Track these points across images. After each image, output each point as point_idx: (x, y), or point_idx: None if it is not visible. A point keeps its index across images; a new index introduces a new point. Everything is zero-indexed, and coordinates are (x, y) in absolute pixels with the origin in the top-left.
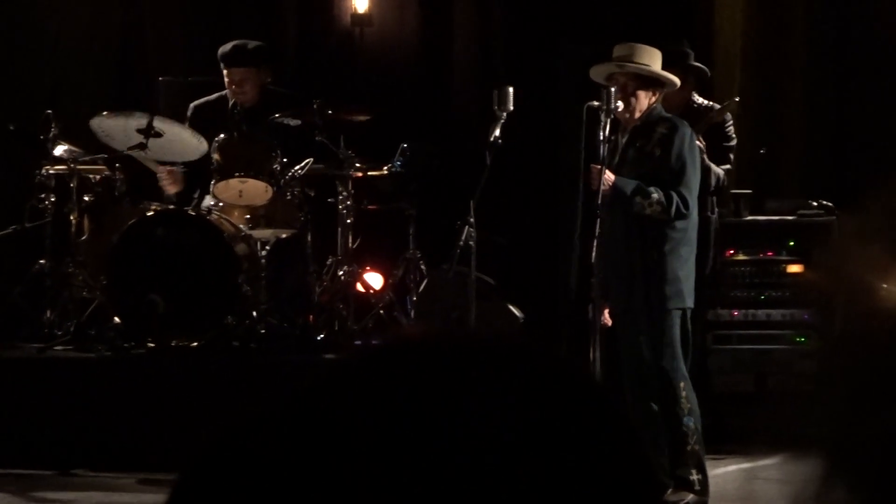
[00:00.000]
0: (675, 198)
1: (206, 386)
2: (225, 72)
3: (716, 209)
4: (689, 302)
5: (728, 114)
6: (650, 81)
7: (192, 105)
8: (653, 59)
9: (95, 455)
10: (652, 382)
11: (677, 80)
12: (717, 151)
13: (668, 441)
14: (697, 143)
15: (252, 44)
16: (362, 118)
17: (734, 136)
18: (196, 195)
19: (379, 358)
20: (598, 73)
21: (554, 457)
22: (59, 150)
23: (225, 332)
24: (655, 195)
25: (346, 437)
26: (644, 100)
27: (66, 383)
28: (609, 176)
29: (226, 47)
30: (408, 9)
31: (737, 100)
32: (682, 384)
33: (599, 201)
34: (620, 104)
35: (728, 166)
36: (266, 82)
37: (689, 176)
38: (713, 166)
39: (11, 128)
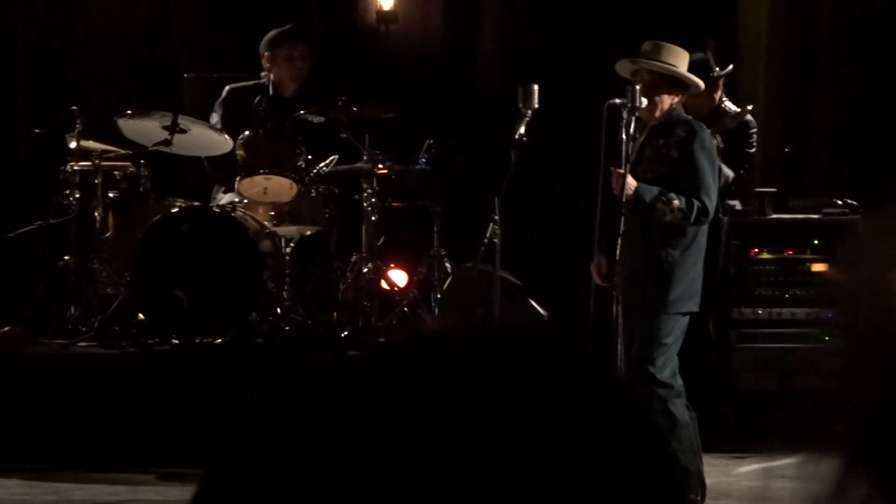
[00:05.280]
0: (696, 204)
1: (229, 382)
2: (284, 52)
3: (728, 210)
4: (694, 306)
5: (749, 118)
6: (674, 82)
7: (228, 87)
8: (679, 60)
9: (119, 451)
10: (638, 382)
11: (701, 83)
12: (735, 155)
13: None
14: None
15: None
16: (387, 115)
17: (755, 144)
18: (215, 191)
19: (402, 355)
20: (623, 67)
21: (577, 455)
22: (84, 147)
23: (249, 328)
24: (677, 202)
25: (369, 435)
26: (667, 100)
27: (90, 379)
28: (631, 182)
29: (283, 27)
30: (433, 5)
31: (750, 107)
32: (661, 391)
33: (624, 201)
34: (645, 101)
35: (741, 172)
36: None
37: (708, 182)
38: (724, 167)
39: (36, 131)
